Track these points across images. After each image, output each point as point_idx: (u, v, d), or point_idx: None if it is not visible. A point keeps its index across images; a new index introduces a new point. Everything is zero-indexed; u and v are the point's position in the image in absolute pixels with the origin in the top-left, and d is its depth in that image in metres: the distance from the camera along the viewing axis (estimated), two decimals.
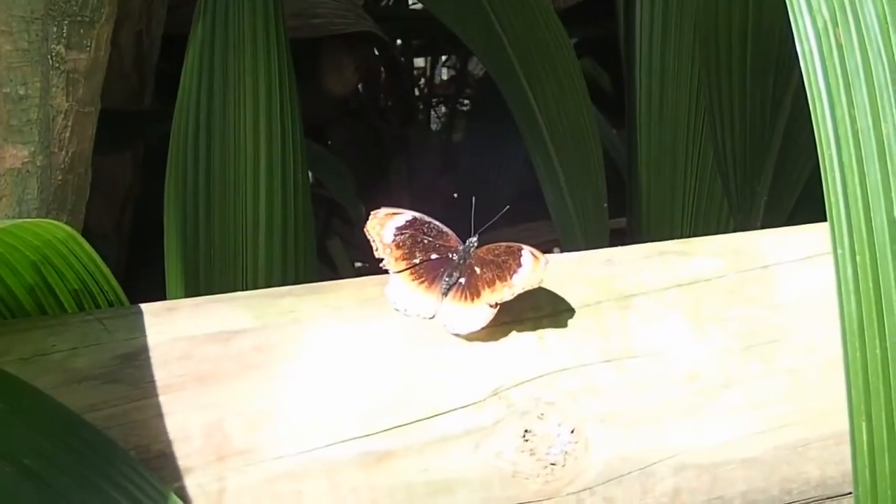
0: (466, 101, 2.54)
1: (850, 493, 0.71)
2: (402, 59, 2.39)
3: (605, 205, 1.39)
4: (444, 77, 2.64)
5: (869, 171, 0.66)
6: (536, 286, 0.75)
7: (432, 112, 2.58)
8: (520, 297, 0.75)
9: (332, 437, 0.72)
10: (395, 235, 0.80)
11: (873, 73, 0.67)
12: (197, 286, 1.15)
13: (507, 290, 0.75)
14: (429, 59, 2.51)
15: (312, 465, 0.71)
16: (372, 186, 2.06)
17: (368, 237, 0.80)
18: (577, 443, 0.72)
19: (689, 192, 1.36)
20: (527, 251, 0.77)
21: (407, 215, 0.81)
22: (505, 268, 0.76)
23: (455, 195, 2.17)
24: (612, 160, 1.49)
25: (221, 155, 1.16)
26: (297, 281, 1.10)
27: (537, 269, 0.75)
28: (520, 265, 0.76)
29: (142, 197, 1.60)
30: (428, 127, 2.52)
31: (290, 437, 0.72)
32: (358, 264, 1.97)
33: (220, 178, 1.15)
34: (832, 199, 0.66)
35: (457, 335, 0.75)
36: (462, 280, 0.77)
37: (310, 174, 1.33)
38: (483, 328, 0.75)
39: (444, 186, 2.18)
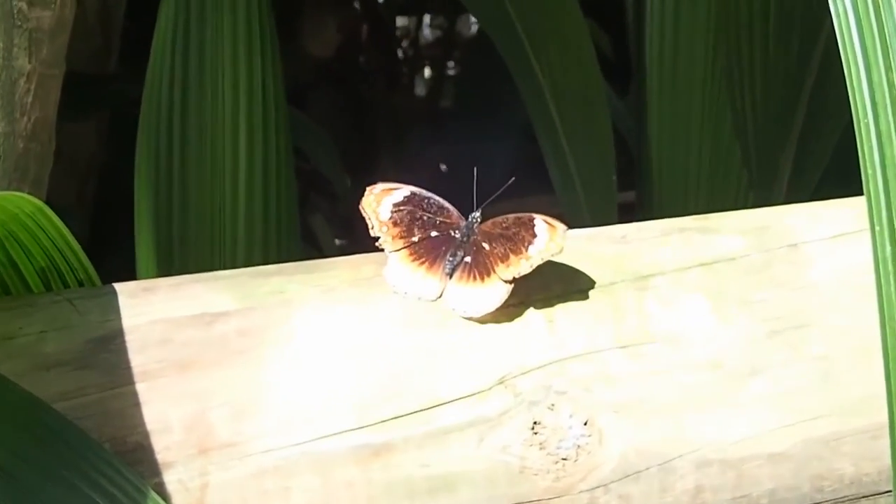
0: (454, 64, 2.53)
1: (889, 491, 0.72)
2: (384, 17, 2.39)
3: (614, 177, 1.39)
4: (430, 38, 2.63)
5: None
6: (557, 255, 0.75)
7: (417, 76, 2.58)
8: (527, 278, 0.75)
9: (324, 429, 0.72)
10: (393, 212, 0.80)
11: None
12: (170, 265, 1.15)
13: (524, 263, 0.75)
14: (413, 18, 2.50)
15: (303, 460, 0.71)
16: (355, 157, 2.06)
17: (364, 214, 0.80)
18: (590, 436, 0.72)
19: (705, 163, 1.36)
20: (540, 220, 0.77)
21: (405, 190, 0.81)
22: (518, 240, 0.77)
23: (443, 167, 2.18)
24: (617, 130, 1.48)
25: (197, 122, 1.15)
26: (279, 259, 1.10)
27: (555, 238, 0.76)
28: (534, 235, 0.76)
29: (106, 167, 1.59)
30: (413, 92, 2.52)
31: (278, 428, 0.71)
32: (339, 241, 1.96)
33: (196, 147, 1.15)
34: (868, 172, 0.66)
35: (469, 318, 0.75)
36: (468, 259, 0.78)
37: None
38: (498, 308, 0.75)
39: (431, 158, 2.18)
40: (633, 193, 1.47)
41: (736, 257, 0.79)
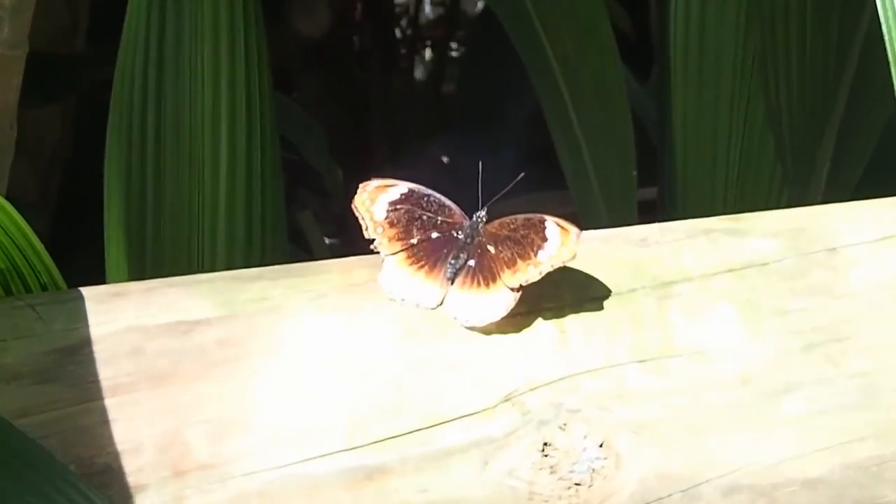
0: (457, 45, 2.53)
1: None
2: None
3: (634, 173, 1.39)
4: (431, 16, 2.63)
5: None
6: (569, 262, 0.76)
7: (417, 58, 2.58)
8: (537, 285, 0.76)
9: (312, 450, 0.72)
10: (389, 211, 0.80)
11: None
12: (143, 267, 1.15)
13: (532, 270, 0.76)
14: None
15: (289, 484, 0.71)
16: (348, 148, 2.06)
17: (357, 214, 0.80)
18: (606, 458, 0.72)
19: (734, 157, 1.36)
20: (551, 222, 0.78)
21: (402, 187, 0.81)
22: (526, 244, 0.77)
23: (445, 159, 2.18)
24: (637, 119, 1.48)
25: (174, 108, 1.15)
26: (264, 261, 1.11)
27: (568, 242, 0.76)
28: (545, 239, 0.77)
29: (73, 158, 1.59)
30: (412, 76, 2.52)
31: (262, 449, 0.72)
32: (330, 241, 1.96)
33: (173, 136, 1.15)
34: None
35: (471, 328, 0.76)
36: (471, 262, 0.78)
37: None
38: (504, 317, 0.75)
39: (431, 149, 2.19)
40: (654, 190, 1.46)
41: (769, 262, 0.79)
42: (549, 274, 0.75)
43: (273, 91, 1.18)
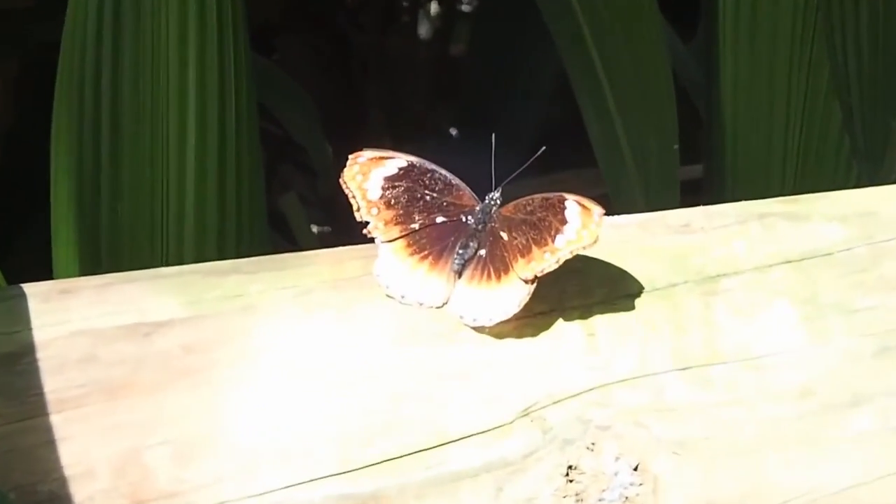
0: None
1: None
2: None
3: (676, 147, 1.39)
4: None
5: None
6: (590, 248, 0.75)
7: (420, 13, 2.58)
8: (560, 280, 0.75)
9: (296, 475, 0.71)
10: (385, 189, 0.80)
11: None
12: (97, 259, 1.14)
13: (547, 257, 0.75)
14: None
15: None
16: (339, 119, 2.06)
17: (346, 191, 0.80)
18: (642, 485, 0.72)
19: (794, 128, 1.35)
20: (572, 201, 0.77)
21: (400, 160, 0.81)
22: (543, 227, 0.77)
23: (453, 131, 2.17)
24: (680, 84, 1.48)
25: (133, 72, 1.14)
26: (240, 252, 1.10)
27: (589, 224, 0.76)
28: (564, 221, 0.76)
29: (15, 131, 1.59)
30: (414, 34, 2.52)
31: (236, 474, 0.71)
32: (318, 229, 1.96)
33: (132, 105, 1.14)
34: None
35: (478, 328, 0.75)
36: (482, 252, 0.78)
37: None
38: (515, 316, 0.75)
39: (437, 120, 2.18)
40: (699, 167, 1.47)
41: (833, 252, 0.79)
42: (573, 265, 0.75)
43: (251, 52, 1.18)
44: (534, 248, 0.76)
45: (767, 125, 1.35)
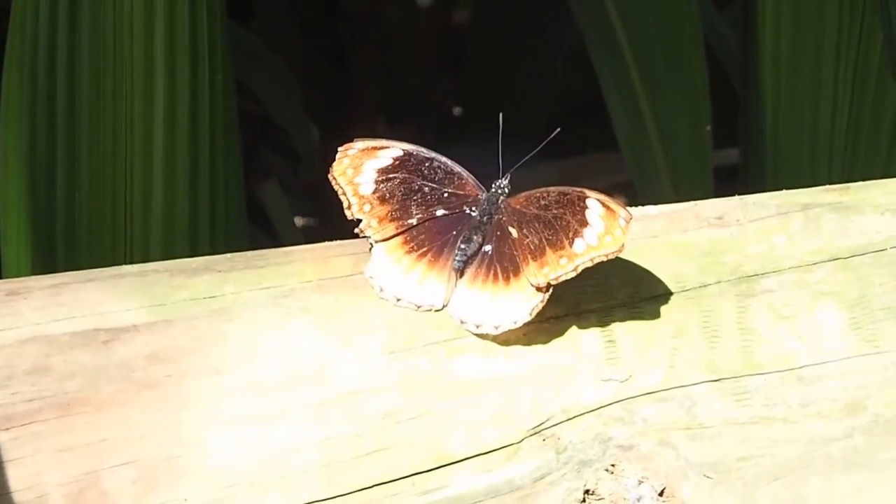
0: None
1: None
2: None
3: (709, 128, 1.37)
4: None
5: None
6: (614, 256, 0.74)
7: None
8: (576, 279, 0.73)
9: (277, 501, 0.70)
10: (379, 183, 0.79)
11: None
12: (52, 256, 1.14)
13: (565, 264, 0.73)
14: None
15: None
16: (326, 99, 2.06)
17: (336, 188, 0.79)
18: None
19: (843, 109, 1.34)
20: (594, 199, 0.75)
21: (395, 150, 0.80)
22: (560, 227, 0.75)
23: (456, 110, 2.19)
24: (715, 58, 1.47)
25: (92, 42, 1.13)
26: (215, 247, 1.09)
27: (614, 229, 0.74)
28: (584, 223, 0.74)
29: None
30: (413, 2, 2.53)
31: (207, 501, 0.70)
32: (302, 221, 1.97)
33: (91, 79, 1.14)
34: None
35: (481, 336, 0.74)
36: (488, 248, 0.76)
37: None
38: (526, 325, 0.73)
39: (439, 97, 2.19)
40: (735, 151, 1.46)
41: (886, 248, 0.78)
42: (588, 269, 0.73)
43: (228, 21, 1.17)
44: (548, 250, 0.74)
45: (813, 103, 1.35)
